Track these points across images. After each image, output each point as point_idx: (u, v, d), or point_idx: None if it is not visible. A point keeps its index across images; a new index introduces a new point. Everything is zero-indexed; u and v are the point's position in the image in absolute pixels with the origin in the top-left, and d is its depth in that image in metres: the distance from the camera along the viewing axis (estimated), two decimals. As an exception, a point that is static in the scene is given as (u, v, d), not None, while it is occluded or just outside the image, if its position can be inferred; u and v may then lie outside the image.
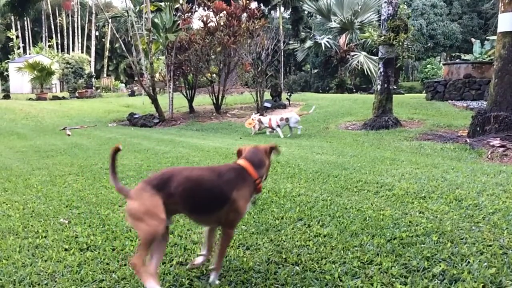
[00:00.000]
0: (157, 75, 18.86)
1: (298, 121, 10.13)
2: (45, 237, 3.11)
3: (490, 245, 2.59)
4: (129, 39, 18.80)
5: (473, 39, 17.52)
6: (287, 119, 10.06)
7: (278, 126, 10.15)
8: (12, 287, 2.36)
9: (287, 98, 16.73)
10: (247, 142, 8.64)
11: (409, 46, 10.18)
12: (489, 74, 12.32)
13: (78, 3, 45.98)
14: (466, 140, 7.56)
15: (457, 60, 16.34)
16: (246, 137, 10.06)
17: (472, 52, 15.96)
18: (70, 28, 46.37)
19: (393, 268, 2.36)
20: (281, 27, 28.60)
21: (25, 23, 43.49)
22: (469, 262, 2.37)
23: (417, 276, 2.26)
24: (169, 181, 2.12)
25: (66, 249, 2.85)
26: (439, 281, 2.20)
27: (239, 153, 2.51)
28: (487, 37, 17.59)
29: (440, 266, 2.33)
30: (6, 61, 40.37)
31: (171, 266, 2.53)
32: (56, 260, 2.68)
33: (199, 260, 2.47)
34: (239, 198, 2.20)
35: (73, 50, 44.67)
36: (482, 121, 7.69)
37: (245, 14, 15.85)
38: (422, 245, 2.63)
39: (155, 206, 2.03)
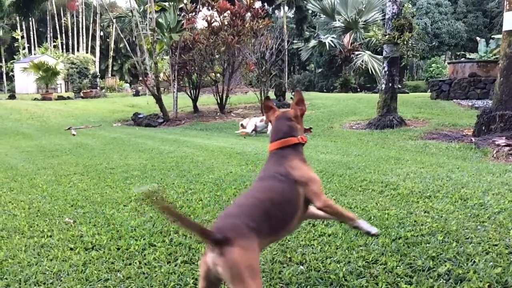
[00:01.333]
0: (161, 75, 18.91)
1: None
2: (51, 236, 3.12)
3: (496, 245, 2.57)
4: (134, 39, 18.85)
5: (478, 38, 17.44)
6: (264, 120, 10.07)
7: (254, 129, 10.13)
8: (17, 286, 2.37)
9: (291, 98, 16.70)
10: (251, 142, 8.64)
11: (414, 45, 10.15)
12: (494, 73, 12.26)
13: (83, 3, 46.12)
14: (471, 139, 7.53)
15: (462, 59, 16.29)
16: (250, 137, 10.06)
17: (477, 51, 15.89)
18: (75, 28, 46.52)
19: (398, 267, 2.35)
20: (285, 26, 28.55)
21: (30, 23, 43.68)
22: (474, 261, 2.36)
23: (422, 275, 2.25)
24: (256, 216, 1.73)
25: (71, 248, 2.86)
26: (444, 281, 2.19)
27: (268, 113, 2.26)
28: (492, 36, 17.53)
29: (446, 265, 2.32)
30: (11, 61, 40.59)
31: (175, 266, 2.53)
32: (61, 259, 2.69)
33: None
34: (300, 169, 1.98)
35: (78, 50, 44.82)
36: (487, 120, 7.65)
37: (249, 14, 15.85)
38: (427, 245, 2.62)
39: (257, 258, 1.63)
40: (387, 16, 10.17)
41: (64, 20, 46.90)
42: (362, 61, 24.22)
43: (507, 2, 7.68)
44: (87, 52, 42.04)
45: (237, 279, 1.52)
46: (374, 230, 2.13)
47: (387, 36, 9.88)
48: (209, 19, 15.62)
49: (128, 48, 18.39)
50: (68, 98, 26.44)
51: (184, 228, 1.68)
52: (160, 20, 15.60)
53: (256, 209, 1.76)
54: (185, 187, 4.44)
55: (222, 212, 1.81)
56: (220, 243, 1.55)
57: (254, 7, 15.90)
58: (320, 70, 38.14)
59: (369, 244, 2.68)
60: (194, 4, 17.33)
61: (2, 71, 41.89)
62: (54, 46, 43.67)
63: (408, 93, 22.61)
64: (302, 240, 2.82)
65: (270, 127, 9.99)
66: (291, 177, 1.93)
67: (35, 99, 24.26)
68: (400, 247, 2.60)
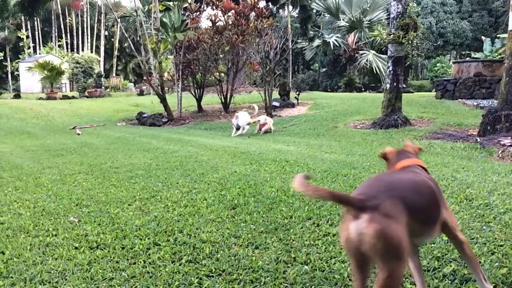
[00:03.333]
0: (165, 74, 18.94)
1: (248, 122, 10.38)
2: (56, 235, 3.13)
3: (501, 245, 2.56)
4: (138, 38, 18.89)
5: (483, 37, 17.37)
6: (237, 117, 10.43)
7: (237, 127, 10.44)
8: (23, 284, 2.38)
9: (295, 97, 16.69)
10: (255, 141, 8.64)
11: (419, 44, 10.09)
12: (499, 73, 12.20)
13: (88, 3, 46.23)
14: (476, 139, 7.49)
15: (467, 59, 16.22)
16: (254, 136, 10.06)
17: (482, 50, 15.82)
18: (80, 28, 46.63)
19: (403, 267, 2.34)
20: (289, 26, 28.53)
21: (35, 23, 43.81)
22: (480, 262, 2.35)
23: (427, 276, 2.25)
24: (406, 191, 1.59)
25: (76, 248, 2.88)
26: (449, 281, 2.18)
27: (385, 157, 2.10)
28: (498, 35, 17.43)
29: (451, 266, 2.31)
30: (16, 60, 40.67)
31: (180, 265, 2.53)
32: (66, 258, 2.70)
33: None
34: (441, 194, 1.83)
35: (82, 49, 44.92)
36: (492, 120, 7.61)
37: (253, 13, 15.85)
38: (432, 245, 2.61)
39: (406, 235, 1.46)
40: (391, 15, 10.12)
41: (69, 19, 47.00)
42: (367, 60, 24.16)
43: (513, 1, 7.64)
44: (91, 52, 42.11)
45: (391, 252, 1.39)
46: None
47: (391, 36, 9.84)
48: (213, 18, 15.64)
49: (133, 48, 18.42)
50: (73, 97, 26.47)
51: (319, 198, 1.53)
52: (164, 19, 15.63)
53: (413, 191, 1.62)
54: (190, 187, 4.45)
55: (368, 182, 1.67)
56: (370, 210, 1.42)
57: (258, 6, 15.90)
58: (324, 69, 38.07)
59: (373, 244, 2.67)
60: (199, 4, 17.36)
61: (7, 70, 42.04)
62: (59, 46, 43.79)
63: (412, 92, 22.53)
64: (306, 240, 2.81)
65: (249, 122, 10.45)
66: (436, 187, 1.79)
67: (40, 98, 24.31)
68: (405, 247, 2.59)
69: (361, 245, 1.43)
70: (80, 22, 46.41)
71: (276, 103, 15.53)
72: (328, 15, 28.54)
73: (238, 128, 10.44)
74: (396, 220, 1.43)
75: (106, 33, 48.63)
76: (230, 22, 15.46)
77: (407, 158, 1.97)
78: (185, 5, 17.10)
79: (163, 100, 15.26)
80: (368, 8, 25.39)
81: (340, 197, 1.51)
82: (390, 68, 10.07)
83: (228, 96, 16.38)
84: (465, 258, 1.95)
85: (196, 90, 17.08)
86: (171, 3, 16.74)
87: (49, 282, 2.39)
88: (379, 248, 1.39)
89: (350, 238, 1.46)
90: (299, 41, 31.34)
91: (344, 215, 1.54)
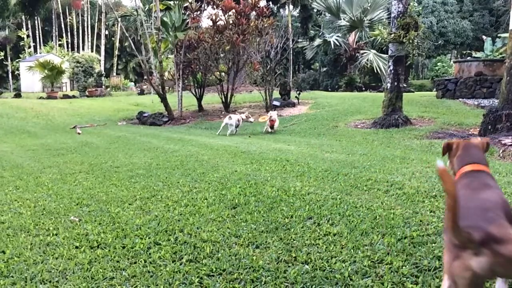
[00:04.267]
0: (166, 73, 18.93)
1: (226, 122, 10.53)
2: (56, 234, 3.13)
3: (503, 245, 2.56)
4: (139, 38, 18.90)
5: (484, 37, 17.32)
6: (229, 117, 10.67)
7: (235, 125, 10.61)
8: (23, 284, 2.38)
9: (296, 97, 16.68)
10: (256, 141, 8.64)
11: (420, 43, 10.07)
12: (500, 72, 12.18)
13: (88, 2, 46.18)
14: (477, 139, 7.47)
15: (468, 58, 16.17)
16: (256, 136, 10.06)
17: (483, 49, 15.79)
18: (80, 27, 46.60)
19: (403, 267, 2.34)
20: (290, 25, 28.53)
21: (36, 22, 43.80)
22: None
23: (428, 275, 2.24)
24: (499, 212, 1.63)
25: (76, 247, 2.87)
26: (450, 281, 2.17)
27: (448, 150, 2.17)
28: (499, 35, 17.41)
29: (452, 265, 2.31)
30: (17, 60, 40.66)
31: (180, 264, 2.53)
32: (67, 257, 2.70)
33: None
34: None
35: (83, 49, 44.91)
36: (493, 120, 7.59)
37: (254, 13, 15.83)
38: (433, 245, 2.61)
39: None
40: (392, 15, 10.11)
41: (70, 19, 46.98)
42: (367, 60, 24.14)
43: (514, 1, 7.62)
44: (92, 51, 42.12)
45: None
46: None
47: (392, 35, 9.82)
48: (214, 18, 15.62)
49: (133, 47, 18.42)
50: (73, 97, 26.47)
51: (450, 226, 1.47)
52: (165, 19, 15.62)
53: (505, 212, 1.65)
54: (190, 186, 4.45)
55: (466, 212, 1.64)
56: (487, 244, 1.44)
57: (259, 5, 15.87)
58: (325, 69, 38.04)
59: (374, 244, 2.67)
60: (199, 3, 17.35)
61: (8, 70, 42.07)
62: (60, 45, 43.76)
63: (413, 92, 22.51)
64: (307, 240, 2.81)
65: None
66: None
67: (40, 97, 24.32)
68: (405, 247, 2.59)
69: (491, 276, 1.49)
70: (80, 22, 46.39)
71: (276, 103, 15.52)
72: (329, 15, 28.50)
73: (236, 126, 10.53)
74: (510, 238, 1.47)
75: (107, 32, 48.65)
76: (231, 22, 15.44)
77: (473, 163, 1.97)
78: (185, 4, 17.09)
79: (163, 100, 15.26)
80: (369, 8, 25.37)
81: (466, 233, 1.48)
82: (391, 68, 10.07)
83: (229, 96, 16.38)
84: None
85: (196, 90, 17.08)
86: (171, 2, 16.75)
87: (50, 281, 2.39)
88: None
89: (477, 275, 1.46)
90: (299, 40, 31.34)
91: (456, 250, 1.52)
